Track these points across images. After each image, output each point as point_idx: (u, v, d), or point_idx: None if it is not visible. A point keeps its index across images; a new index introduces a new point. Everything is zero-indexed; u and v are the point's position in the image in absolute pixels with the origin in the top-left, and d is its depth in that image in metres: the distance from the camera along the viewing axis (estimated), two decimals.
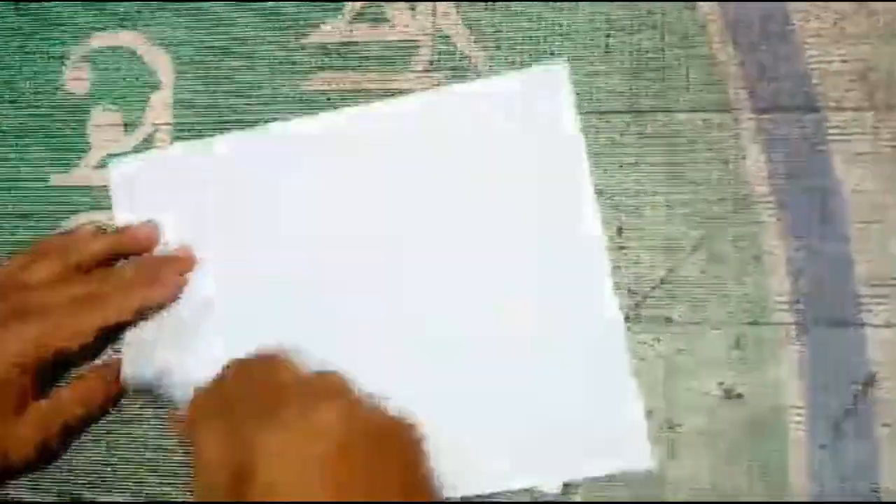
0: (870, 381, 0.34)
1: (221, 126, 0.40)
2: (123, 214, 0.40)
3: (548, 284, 0.36)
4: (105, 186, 0.40)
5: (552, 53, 0.38)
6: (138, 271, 0.38)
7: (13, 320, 0.35)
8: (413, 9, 0.40)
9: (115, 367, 0.38)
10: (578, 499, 0.34)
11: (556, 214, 0.36)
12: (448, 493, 0.33)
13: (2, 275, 0.38)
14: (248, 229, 0.39)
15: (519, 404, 0.35)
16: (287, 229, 0.38)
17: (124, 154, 0.40)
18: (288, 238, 0.38)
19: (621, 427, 0.34)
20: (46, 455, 0.37)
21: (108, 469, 0.38)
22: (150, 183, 0.40)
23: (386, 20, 0.40)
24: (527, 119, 0.37)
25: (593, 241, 0.36)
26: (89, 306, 0.36)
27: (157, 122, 0.40)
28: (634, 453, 0.34)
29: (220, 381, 0.32)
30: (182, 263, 0.38)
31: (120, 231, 0.39)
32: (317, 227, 0.38)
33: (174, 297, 0.38)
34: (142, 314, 0.37)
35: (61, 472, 0.38)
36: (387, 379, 0.31)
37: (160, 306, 0.38)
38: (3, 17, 0.43)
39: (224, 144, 0.39)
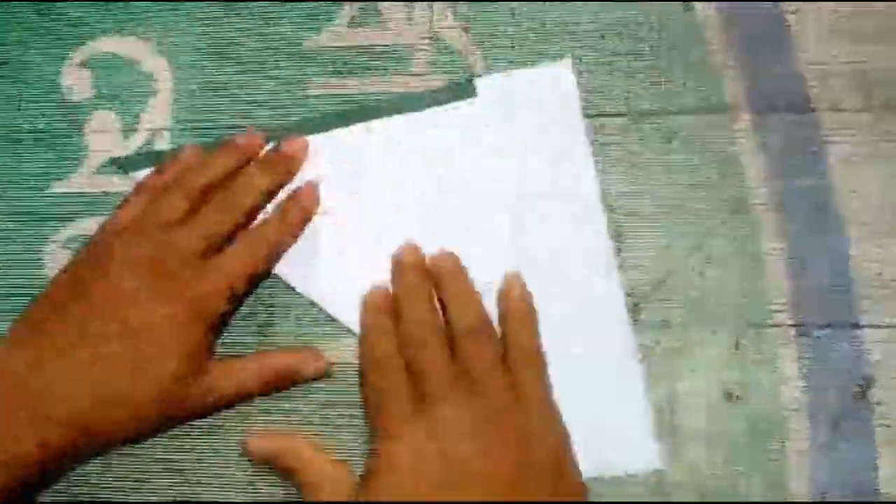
0: (868, 382, 0.34)
1: (220, 130, 0.40)
2: None
3: (555, 285, 0.36)
4: (103, 192, 0.40)
5: (550, 56, 0.38)
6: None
7: (187, 271, 0.34)
8: (410, 11, 0.40)
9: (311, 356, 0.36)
10: None
11: (563, 212, 0.37)
12: None
13: (126, 223, 0.36)
14: None
15: None
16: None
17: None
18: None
19: (629, 428, 0.35)
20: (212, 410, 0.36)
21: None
22: None
23: (383, 23, 0.40)
24: (531, 118, 0.37)
25: (600, 240, 0.36)
26: (256, 243, 0.36)
27: (155, 126, 0.40)
28: (642, 454, 0.34)
29: None
30: (296, 160, 0.38)
31: (226, 145, 0.38)
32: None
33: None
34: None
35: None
36: None
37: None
38: (1, 22, 0.43)
39: None
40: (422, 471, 0.31)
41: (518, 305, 0.35)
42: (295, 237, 0.37)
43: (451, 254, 0.36)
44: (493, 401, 0.32)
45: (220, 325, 0.35)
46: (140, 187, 0.38)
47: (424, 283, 0.36)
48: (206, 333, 0.34)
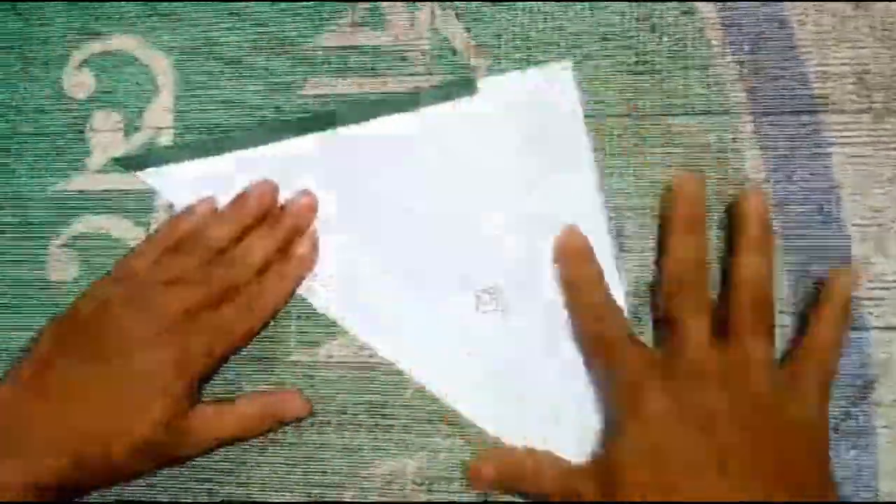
0: (869, 384, 0.34)
1: (221, 130, 0.40)
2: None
3: (556, 285, 0.36)
4: (105, 191, 0.40)
5: (551, 57, 0.38)
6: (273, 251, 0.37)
7: (182, 325, 0.34)
8: (412, 12, 0.40)
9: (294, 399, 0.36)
10: None
11: (564, 213, 0.36)
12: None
13: (134, 273, 0.36)
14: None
15: (526, 397, 0.35)
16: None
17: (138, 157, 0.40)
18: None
19: None
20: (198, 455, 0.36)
21: None
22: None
23: (385, 24, 0.40)
24: (532, 118, 0.38)
25: (601, 240, 0.36)
26: (251, 303, 0.36)
27: (157, 125, 0.41)
28: None
29: None
30: (303, 219, 0.38)
31: (238, 203, 0.38)
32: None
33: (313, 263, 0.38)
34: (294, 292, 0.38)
35: None
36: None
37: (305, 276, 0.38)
38: (2, 21, 0.43)
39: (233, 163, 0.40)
40: (672, 446, 0.29)
41: (839, 295, 0.33)
42: (289, 296, 0.37)
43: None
44: (764, 387, 0.31)
45: (208, 375, 0.36)
46: (152, 239, 0.38)
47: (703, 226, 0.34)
48: (191, 384, 0.34)
